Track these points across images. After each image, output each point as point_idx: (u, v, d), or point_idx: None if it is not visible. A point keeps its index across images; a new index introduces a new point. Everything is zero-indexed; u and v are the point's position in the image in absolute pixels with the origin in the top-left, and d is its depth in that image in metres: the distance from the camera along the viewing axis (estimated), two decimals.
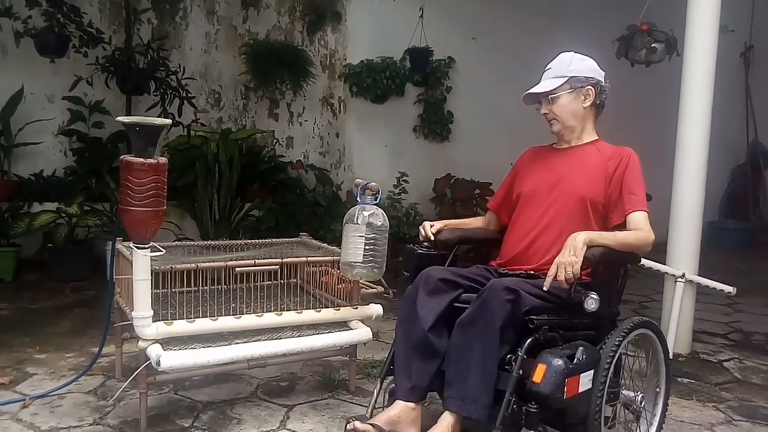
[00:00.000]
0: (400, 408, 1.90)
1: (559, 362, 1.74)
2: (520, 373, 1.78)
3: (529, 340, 1.83)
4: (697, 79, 3.19)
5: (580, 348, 1.84)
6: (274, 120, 5.69)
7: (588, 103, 2.21)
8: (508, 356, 1.84)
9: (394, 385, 2.01)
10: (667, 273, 3.23)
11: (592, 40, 5.56)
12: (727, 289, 3.29)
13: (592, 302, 1.88)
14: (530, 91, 2.24)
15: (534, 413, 1.75)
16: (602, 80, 2.23)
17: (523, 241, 2.20)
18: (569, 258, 1.87)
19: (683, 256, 3.22)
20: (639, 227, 2.05)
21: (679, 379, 2.91)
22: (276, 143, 5.69)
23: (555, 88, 2.19)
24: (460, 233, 2.37)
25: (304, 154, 5.80)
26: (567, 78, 2.19)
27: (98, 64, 4.60)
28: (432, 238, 2.26)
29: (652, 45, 3.87)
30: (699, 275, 3.25)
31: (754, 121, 7.13)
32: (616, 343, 1.94)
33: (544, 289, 1.88)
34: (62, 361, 2.82)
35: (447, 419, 1.82)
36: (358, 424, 1.82)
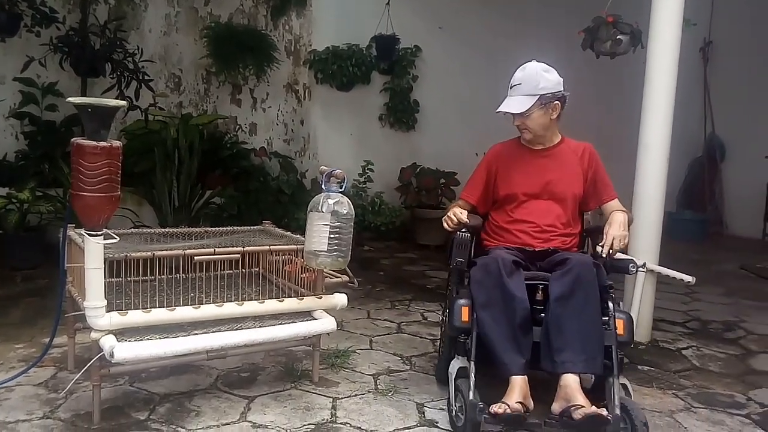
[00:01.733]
0: (522, 381, 2.09)
1: (628, 316, 2.22)
2: (615, 329, 2.15)
3: (611, 303, 2.22)
4: (661, 71, 3.21)
5: (619, 302, 2.31)
6: (237, 106, 5.56)
7: (555, 115, 2.50)
8: None
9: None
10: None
11: (558, 31, 5.63)
12: (687, 278, 3.34)
13: (634, 267, 2.33)
14: (502, 109, 2.48)
15: (621, 359, 2.13)
16: (564, 91, 2.48)
17: (536, 231, 2.47)
18: (621, 232, 2.29)
19: (644, 246, 3.26)
20: (621, 208, 2.50)
21: (639, 367, 2.95)
22: (239, 129, 5.57)
23: (528, 109, 2.43)
24: (478, 219, 2.58)
25: (268, 141, 5.70)
26: (537, 97, 2.43)
27: (51, 44, 4.40)
28: (468, 222, 2.40)
29: (618, 37, 3.89)
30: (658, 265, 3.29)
31: (712, 115, 7.29)
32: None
33: (603, 255, 2.27)
34: (11, 352, 2.70)
35: (573, 380, 2.07)
36: (514, 405, 1.97)
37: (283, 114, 5.78)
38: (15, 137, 4.71)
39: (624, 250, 2.38)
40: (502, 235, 2.53)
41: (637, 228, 3.25)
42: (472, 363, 2.12)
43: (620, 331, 2.15)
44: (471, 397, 2.03)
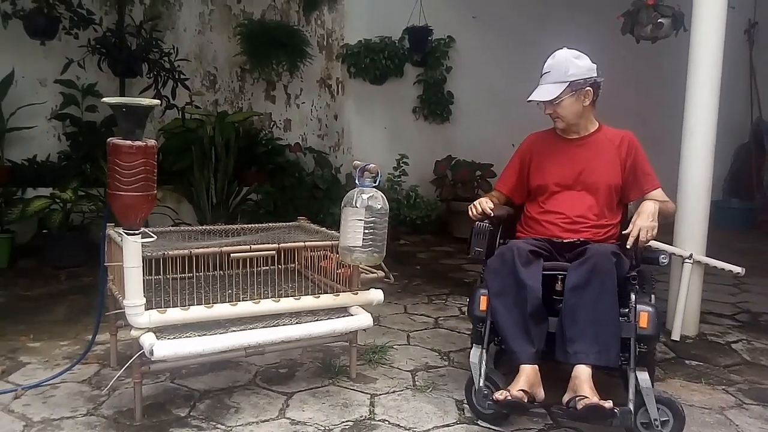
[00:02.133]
0: (531, 370, 2.07)
1: (654, 308, 2.12)
2: (637, 321, 2.07)
3: (634, 294, 2.13)
4: (705, 55, 3.08)
5: (652, 295, 2.23)
6: (271, 102, 5.59)
7: (588, 102, 2.42)
8: None
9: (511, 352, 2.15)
10: (674, 254, 3.15)
11: (596, 16, 5.48)
12: (736, 269, 3.21)
13: (665, 259, 2.27)
14: (533, 98, 2.41)
15: (644, 353, 2.07)
16: (597, 77, 2.40)
17: (566, 222, 2.42)
18: (649, 223, 2.18)
19: (691, 237, 3.15)
20: (664, 200, 2.39)
21: (687, 362, 2.85)
22: (273, 126, 5.60)
23: (558, 96, 2.36)
24: (505, 210, 2.54)
25: (302, 137, 5.71)
26: (567, 83, 2.35)
27: (89, 46, 4.49)
28: (492, 214, 2.37)
29: (659, 20, 3.77)
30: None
31: (758, 99, 7.02)
32: (654, 288, 2.35)
33: (628, 246, 2.19)
34: (57, 349, 2.76)
35: (584, 372, 2.02)
36: (515, 392, 1.97)
37: (316, 109, 5.78)
38: (57, 138, 4.83)
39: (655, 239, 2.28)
40: (532, 227, 2.49)
41: (682, 217, 3.15)
42: (484, 351, 2.16)
43: (643, 323, 2.08)
44: (480, 383, 2.09)
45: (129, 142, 1.88)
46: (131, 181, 1.89)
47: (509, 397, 1.96)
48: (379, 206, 2.23)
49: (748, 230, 6.47)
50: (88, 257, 4.14)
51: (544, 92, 2.38)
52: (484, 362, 2.13)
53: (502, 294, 2.16)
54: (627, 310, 2.10)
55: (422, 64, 6.00)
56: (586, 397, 1.94)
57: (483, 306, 2.23)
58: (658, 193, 2.43)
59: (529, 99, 2.41)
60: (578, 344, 2.05)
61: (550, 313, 2.16)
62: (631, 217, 2.49)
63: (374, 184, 2.25)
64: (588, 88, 2.38)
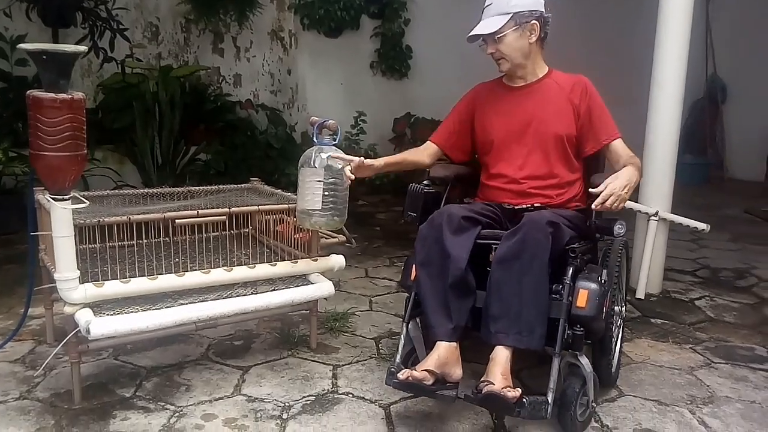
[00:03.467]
0: (444, 348, 1.85)
1: (596, 286, 1.85)
2: (570, 300, 1.83)
3: (571, 269, 1.88)
4: (675, 4, 2.97)
5: (603, 270, 1.95)
6: (219, 56, 5.27)
7: (534, 38, 2.16)
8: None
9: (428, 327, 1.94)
10: (640, 211, 3.09)
11: None
12: (701, 226, 3.19)
13: (621, 228, 2.01)
14: (474, 32, 2.16)
15: (580, 336, 1.83)
16: (544, 11, 2.16)
17: (514, 183, 2.18)
18: (624, 193, 1.93)
19: (657, 194, 3.08)
20: (627, 153, 2.14)
21: (652, 320, 2.81)
22: (222, 81, 5.29)
23: (500, 28, 2.12)
24: (454, 170, 2.32)
25: (254, 93, 5.43)
26: (510, 15, 2.12)
27: None
28: (353, 178, 2.03)
29: None
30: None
31: (713, 55, 7.03)
32: (618, 262, 2.10)
33: (593, 208, 1.93)
34: None
35: (503, 353, 1.80)
36: (415, 373, 1.77)
37: (268, 63, 5.48)
38: None
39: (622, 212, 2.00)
40: (484, 193, 2.28)
41: (648, 174, 3.08)
42: (404, 324, 1.98)
43: (580, 302, 1.82)
44: (398, 360, 1.91)
45: (52, 95, 1.65)
46: (56, 139, 1.66)
47: (410, 378, 1.76)
48: (340, 166, 2.05)
49: (700, 185, 6.55)
50: (23, 223, 3.78)
51: (485, 26, 2.13)
52: (403, 336, 1.95)
53: (427, 263, 1.94)
54: (560, 287, 1.86)
55: (379, 16, 5.75)
56: (491, 383, 1.71)
57: (414, 276, 2.02)
58: (619, 144, 2.15)
59: (469, 35, 2.16)
60: (500, 323, 1.82)
61: (483, 287, 1.91)
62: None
63: (334, 142, 2.07)
64: (534, 21, 2.12)
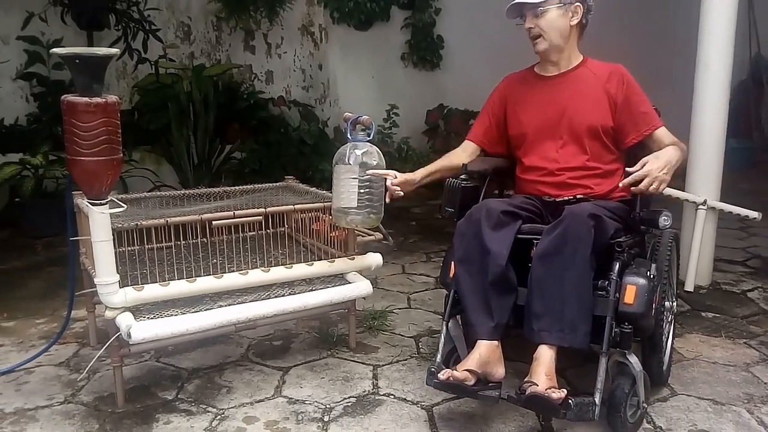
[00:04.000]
0: (486, 347, 1.79)
1: (644, 281, 1.77)
2: (617, 296, 1.76)
3: (618, 264, 1.80)
4: None
5: (652, 265, 1.86)
6: (251, 53, 5.26)
7: (575, 21, 2.09)
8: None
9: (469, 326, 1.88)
10: (687, 200, 2.97)
11: None
12: (753, 214, 3.05)
13: (666, 220, 1.89)
14: (517, 0, 2.08)
15: (628, 333, 1.75)
16: None
17: (551, 175, 2.11)
18: (662, 175, 1.84)
19: (704, 181, 2.96)
20: (673, 141, 2.04)
21: (703, 314, 2.71)
22: (254, 78, 5.29)
23: (544, 0, 2.04)
24: (492, 163, 2.24)
25: (286, 90, 5.41)
26: None
27: None
28: (400, 194, 2.04)
29: None
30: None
31: (757, 34, 6.74)
32: (668, 256, 2.01)
33: (620, 185, 1.89)
34: (32, 328, 2.56)
35: (547, 353, 1.74)
36: (456, 373, 1.71)
37: (299, 59, 5.46)
38: (25, 100, 4.52)
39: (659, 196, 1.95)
40: (520, 186, 2.21)
41: (695, 160, 2.96)
42: (444, 323, 1.92)
43: (628, 299, 1.74)
44: (438, 359, 1.85)
45: (86, 99, 1.64)
46: (92, 144, 1.66)
47: (451, 379, 1.70)
48: (375, 162, 2.01)
49: (746, 170, 6.31)
50: (65, 226, 3.87)
51: None
52: (443, 336, 1.90)
53: (467, 260, 1.88)
54: (606, 282, 1.78)
55: (410, 7, 5.67)
56: (535, 384, 1.65)
57: (453, 273, 1.96)
58: (662, 133, 2.06)
59: (511, 4, 2.07)
60: (543, 321, 1.76)
61: (525, 284, 1.84)
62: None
63: (368, 138, 2.02)
64: (578, 4, 2.06)
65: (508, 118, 2.24)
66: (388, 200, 2.02)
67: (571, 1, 2.05)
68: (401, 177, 2.04)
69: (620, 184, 1.85)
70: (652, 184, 1.82)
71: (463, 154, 2.28)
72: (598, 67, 2.15)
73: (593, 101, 2.09)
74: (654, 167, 1.83)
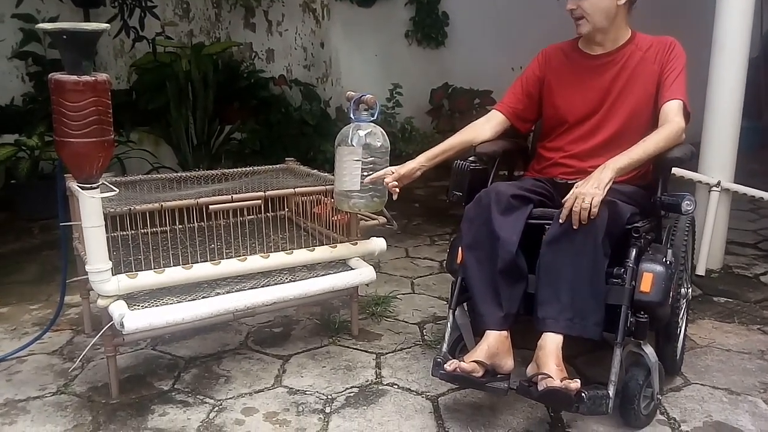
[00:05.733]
0: (495, 338, 1.72)
1: (661, 269, 1.69)
2: (633, 284, 1.67)
3: (634, 250, 1.71)
4: None
5: (669, 250, 1.80)
6: (251, 31, 5.14)
7: (623, 0, 1.92)
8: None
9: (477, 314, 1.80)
10: (700, 182, 2.88)
11: None
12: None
13: (690, 204, 1.78)
14: None
15: (644, 323, 1.68)
16: None
17: (576, 159, 2.01)
18: (592, 189, 1.68)
19: (719, 162, 2.86)
20: (666, 120, 1.88)
21: (715, 299, 2.63)
22: (255, 57, 5.17)
23: None
24: (502, 145, 2.12)
25: (287, 68, 5.30)
26: None
27: None
28: (396, 192, 1.95)
29: None
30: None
31: None
32: (685, 242, 1.93)
33: (560, 222, 1.71)
34: (26, 314, 2.50)
35: (553, 341, 1.66)
36: (464, 365, 1.64)
37: (301, 37, 5.34)
38: (21, 79, 4.42)
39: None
40: (539, 163, 2.11)
41: (709, 141, 2.87)
42: (450, 311, 1.85)
43: (644, 287, 1.66)
44: (444, 348, 1.78)
45: (74, 78, 1.56)
46: (81, 125, 1.58)
47: (458, 370, 1.64)
48: (379, 143, 1.93)
49: (755, 150, 6.19)
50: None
51: None
52: (449, 325, 1.83)
53: (475, 247, 1.80)
54: (622, 270, 1.69)
55: None
56: (549, 377, 1.57)
57: (460, 259, 1.86)
58: (671, 106, 1.89)
59: None
60: (549, 308, 1.68)
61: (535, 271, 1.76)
62: None
63: (372, 118, 1.94)
64: None
65: (543, 97, 2.11)
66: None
67: None
68: (399, 171, 1.95)
69: (560, 220, 1.70)
70: (583, 201, 1.65)
71: (487, 125, 2.14)
72: (647, 42, 2.00)
73: (640, 84, 1.96)
74: (580, 189, 1.69)
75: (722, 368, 2.05)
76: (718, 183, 2.85)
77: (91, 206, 1.66)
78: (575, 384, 1.54)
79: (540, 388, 1.56)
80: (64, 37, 1.55)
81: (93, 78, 1.58)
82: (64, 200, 2.10)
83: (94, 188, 1.66)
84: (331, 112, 5.11)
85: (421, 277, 2.92)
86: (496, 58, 5.49)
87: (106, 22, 4.22)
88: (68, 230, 2.15)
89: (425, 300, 2.64)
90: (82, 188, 1.64)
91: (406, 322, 2.41)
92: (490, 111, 2.23)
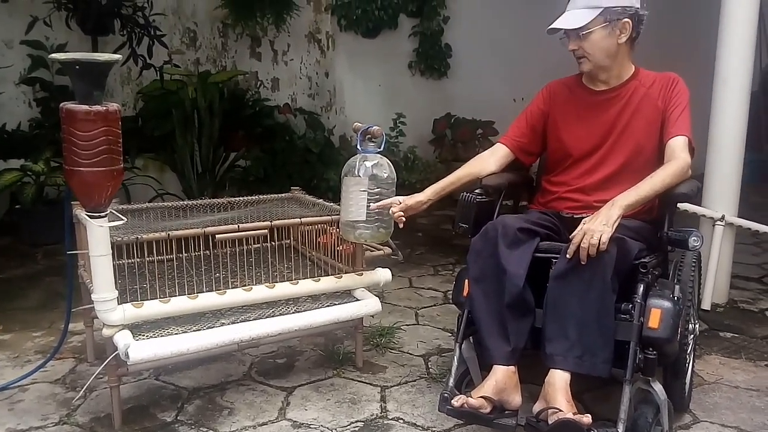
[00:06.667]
0: (502, 373, 1.71)
1: (669, 304, 1.68)
2: (641, 320, 1.66)
3: (642, 286, 1.70)
4: None
5: (676, 286, 1.81)
6: (257, 60, 5.20)
7: (624, 38, 1.95)
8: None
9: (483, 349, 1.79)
10: (704, 216, 2.88)
11: None
12: None
13: (697, 240, 1.78)
14: (555, 25, 1.94)
15: (653, 359, 1.66)
16: (639, 8, 1.94)
17: (580, 192, 2.02)
18: (600, 226, 1.67)
19: (722, 196, 2.87)
20: (672, 156, 1.88)
21: (721, 334, 2.62)
22: (260, 86, 5.22)
23: (587, 24, 1.90)
24: (508, 177, 2.13)
25: (292, 97, 5.34)
26: (601, 10, 1.90)
27: (55, 1, 4.08)
28: (402, 222, 1.97)
29: None
30: None
31: None
32: (692, 277, 1.96)
33: (567, 256, 1.69)
34: (29, 342, 2.48)
35: (562, 378, 1.65)
36: (471, 401, 1.63)
37: (306, 66, 5.39)
38: (28, 105, 4.46)
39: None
40: (543, 197, 2.12)
41: (712, 175, 2.88)
42: (458, 345, 1.83)
43: (652, 323, 1.65)
44: (451, 383, 1.75)
45: (86, 107, 1.57)
46: (91, 154, 1.58)
47: (465, 405, 1.62)
48: (386, 175, 1.94)
49: (757, 183, 6.22)
50: (65, 234, 3.82)
51: (571, 19, 1.91)
52: (456, 358, 1.81)
53: (482, 280, 1.79)
54: (630, 306, 1.69)
55: (417, 15, 5.59)
56: (559, 410, 1.57)
57: (466, 291, 1.86)
58: (676, 142, 1.89)
59: (550, 27, 1.94)
60: (556, 345, 1.67)
61: (542, 305, 1.75)
62: None
63: (378, 149, 1.95)
64: (626, 19, 1.90)
65: (548, 131, 2.13)
66: None
67: (618, 17, 1.90)
68: (406, 202, 1.96)
69: (566, 255, 1.70)
70: (592, 238, 1.65)
71: (492, 158, 2.16)
72: (650, 79, 2.01)
73: (643, 119, 1.97)
74: (589, 226, 1.68)
75: (731, 406, 2.03)
76: (723, 217, 2.85)
77: (98, 235, 1.66)
78: (587, 419, 1.52)
79: (551, 421, 1.54)
80: (77, 67, 1.56)
81: (104, 108, 1.59)
82: (71, 228, 2.08)
83: (103, 217, 1.66)
84: (334, 140, 5.14)
85: (425, 307, 2.91)
86: (498, 89, 5.54)
87: (115, 51, 4.30)
88: (74, 258, 2.14)
89: (430, 331, 2.62)
90: (90, 217, 1.64)
91: (410, 354, 2.40)
92: (494, 144, 2.25)
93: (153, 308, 1.77)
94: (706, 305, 2.85)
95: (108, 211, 1.69)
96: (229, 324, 1.86)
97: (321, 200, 2.39)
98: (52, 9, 4.11)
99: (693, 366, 2.06)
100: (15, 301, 2.94)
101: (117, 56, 1.63)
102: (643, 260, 1.74)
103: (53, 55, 1.58)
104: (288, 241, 2.46)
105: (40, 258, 3.65)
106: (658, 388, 1.69)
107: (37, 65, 4.32)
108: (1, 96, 4.28)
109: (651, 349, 1.67)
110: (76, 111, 1.56)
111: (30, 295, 3.04)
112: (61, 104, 1.60)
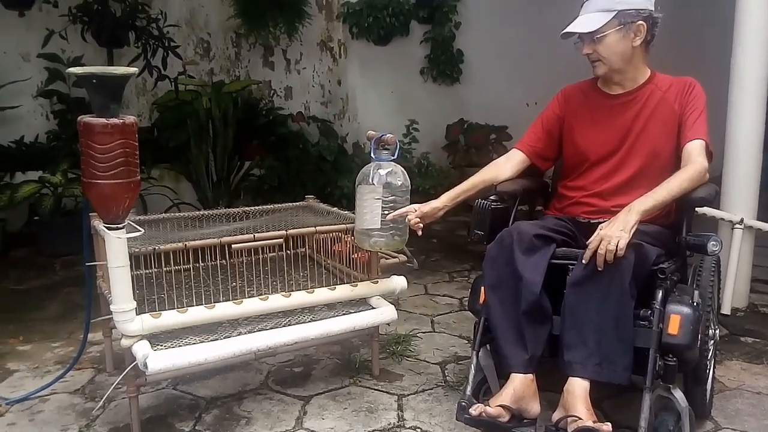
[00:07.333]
0: (520, 381, 1.70)
1: (689, 310, 1.67)
2: (661, 327, 1.65)
3: (661, 292, 1.68)
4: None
5: (695, 291, 1.79)
6: (270, 69, 5.24)
7: (639, 42, 1.92)
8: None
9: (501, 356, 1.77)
10: (722, 219, 2.85)
11: None
12: None
13: (716, 245, 1.76)
14: (569, 29, 1.92)
15: (673, 366, 1.65)
16: (654, 11, 1.92)
17: (597, 197, 1.99)
18: (618, 232, 1.65)
19: (741, 200, 2.84)
20: (689, 160, 1.86)
21: (742, 339, 2.58)
22: (273, 94, 5.26)
23: (600, 27, 1.88)
24: (522, 183, 2.12)
25: (305, 105, 5.38)
26: (615, 13, 1.87)
27: (70, 14, 4.14)
28: (420, 229, 1.96)
29: None
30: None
31: None
32: (711, 282, 1.93)
33: (583, 262, 1.69)
34: (48, 352, 2.51)
35: (580, 387, 1.63)
36: (489, 409, 1.63)
37: (318, 75, 5.42)
38: (45, 117, 4.53)
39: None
40: (560, 202, 2.10)
41: (730, 178, 2.85)
42: (475, 353, 1.81)
43: (672, 329, 1.63)
44: (468, 391, 1.74)
45: (103, 120, 1.59)
46: (109, 166, 1.60)
47: (483, 414, 1.61)
48: (400, 182, 1.94)
49: None
50: (83, 245, 3.86)
51: (585, 22, 1.89)
52: (473, 367, 1.79)
53: (498, 287, 1.78)
54: (649, 312, 1.66)
55: (429, 21, 5.61)
56: (579, 419, 1.55)
57: (483, 299, 1.85)
58: (693, 146, 1.87)
59: (564, 31, 1.92)
60: (575, 352, 1.65)
61: (560, 312, 1.74)
62: None
63: (392, 157, 1.95)
64: (641, 22, 1.87)
65: (564, 134, 2.11)
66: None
67: (632, 20, 1.88)
68: (422, 209, 1.96)
69: (583, 261, 1.68)
70: (609, 243, 1.63)
71: (508, 164, 2.14)
72: (667, 83, 1.99)
73: (664, 127, 1.95)
74: (606, 231, 1.66)
75: (753, 412, 2.00)
76: (741, 220, 2.82)
77: (116, 246, 1.67)
78: (607, 427, 1.51)
79: (570, 429, 1.53)
80: (94, 81, 1.58)
81: (121, 120, 1.60)
82: (89, 239, 2.10)
83: (120, 228, 1.68)
84: (348, 147, 5.16)
85: (441, 314, 2.90)
86: (511, 94, 5.53)
87: (130, 62, 4.35)
88: (92, 269, 2.16)
89: (446, 339, 2.61)
90: (108, 228, 1.66)
91: (427, 362, 2.39)
92: (509, 149, 2.24)
93: (171, 318, 1.78)
94: (725, 310, 2.81)
95: (126, 223, 1.70)
96: (246, 333, 1.87)
97: (335, 209, 2.39)
98: (67, 22, 4.18)
99: (714, 372, 2.03)
100: (34, 311, 2.98)
101: (133, 69, 1.65)
102: (661, 265, 1.71)
103: (70, 70, 1.60)
104: (303, 250, 2.47)
105: (58, 269, 3.69)
106: (678, 395, 1.67)
107: (54, 78, 4.38)
108: (19, 109, 4.34)
109: (671, 355, 1.65)
110: (93, 124, 1.58)
111: (49, 306, 3.07)
112: (79, 117, 1.62)
